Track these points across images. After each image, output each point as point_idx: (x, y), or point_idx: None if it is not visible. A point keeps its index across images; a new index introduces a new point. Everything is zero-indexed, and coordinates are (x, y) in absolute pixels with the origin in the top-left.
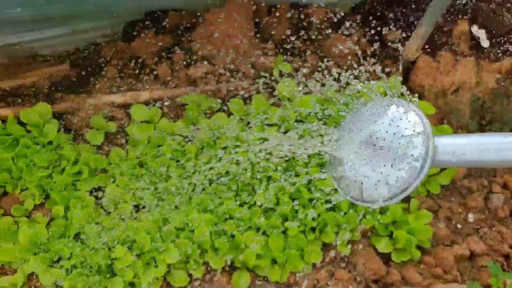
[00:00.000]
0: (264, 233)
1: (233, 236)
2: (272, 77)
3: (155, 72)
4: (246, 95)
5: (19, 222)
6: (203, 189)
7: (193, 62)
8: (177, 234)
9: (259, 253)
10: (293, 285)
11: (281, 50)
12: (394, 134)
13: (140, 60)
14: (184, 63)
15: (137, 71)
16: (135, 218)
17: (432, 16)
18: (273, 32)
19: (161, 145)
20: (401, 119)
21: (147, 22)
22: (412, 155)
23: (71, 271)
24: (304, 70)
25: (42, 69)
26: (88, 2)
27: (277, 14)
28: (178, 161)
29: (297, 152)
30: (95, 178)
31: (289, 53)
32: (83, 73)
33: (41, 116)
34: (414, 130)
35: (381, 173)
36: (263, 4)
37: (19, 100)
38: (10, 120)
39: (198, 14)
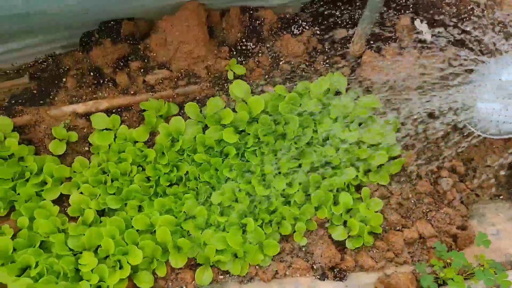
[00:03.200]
0: (224, 229)
1: (192, 234)
2: (226, 79)
3: (113, 80)
4: (202, 99)
5: None
6: (164, 192)
7: (150, 69)
8: (140, 236)
9: (220, 248)
10: (254, 277)
11: (235, 52)
12: None
13: (98, 69)
14: (142, 70)
15: (96, 80)
16: (100, 223)
17: (369, 14)
18: (226, 36)
19: (122, 151)
20: None
21: (102, 32)
22: None
23: (38, 279)
24: (257, 71)
25: (1, 83)
26: (36, 18)
27: (229, 18)
28: (139, 165)
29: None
30: (59, 187)
31: (242, 55)
32: (43, 84)
33: (1, 129)
34: None
35: None
36: (215, 9)
37: None
38: None
39: (152, 22)
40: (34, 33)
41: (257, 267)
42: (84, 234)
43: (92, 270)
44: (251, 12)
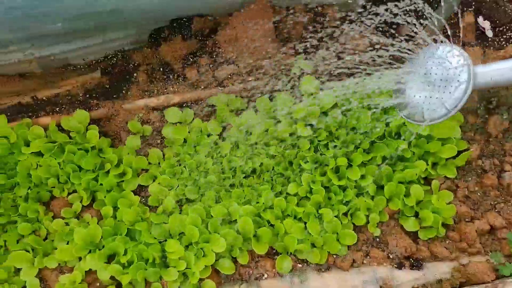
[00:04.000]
0: (300, 219)
1: (272, 224)
2: (293, 75)
3: (183, 76)
4: (270, 93)
5: (69, 223)
6: (241, 183)
7: (218, 65)
8: (221, 225)
9: (299, 238)
10: (331, 266)
11: (299, 49)
12: (444, 68)
13: (168, 65)
14: (211, 65)
15: (166, 75)
16: (180, 212)
17: (443, 10)
18: (291, 33)
19: (197, 144)
20: (447, 56)
21: (173, 29)
22: (458, 81)
23: (128, 266)
24: (323, 66)
25: (75, 78)
26: (118, 14)
27: (294, 15)
28: (213, 157)
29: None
30: (137, 178)
31: (307, 51)
32: (115, 79)
33: (80, 122)
34: (458, 63)
35: (436, 98)
36: (280, 6)
37: (57, 109)
38: (52, 128)
39: (221, 18)
40: (107, 30)
41: (334, 256)
42: (165, 223)
43: (179, 258)
44: (316, 9)
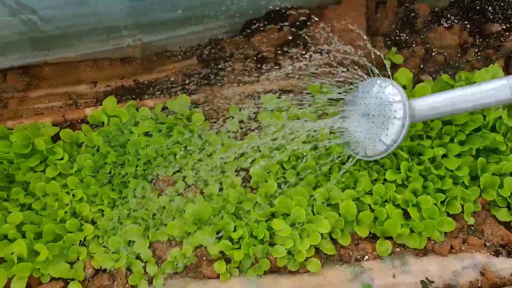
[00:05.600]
0: (397, 205)
1: (372, 209)
2: (383, 68)
3: (277, 64)
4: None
5: (174, 200)
6: (338, 168)
7: (311, 55)
8: (323, 207)
9: (401, 223)
10: (429, 251)
11: (389, 42)
12: (380, 104)
13: (261, 54)
14: (303, 56)
15: (259, 64)
16: (280, 194)
17: None
18: (380, 26)
19: (295, 130)
20: (383, 93)
21: (267, 20)
22: (395, 117)
23: (238, 242)
24: (413, 60)
25: (172, 64)
26: (228, 3)
27: (385, 9)
28: (310, 143)
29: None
30: (237, 161)
31: (396, 45)
32: (210, 66)
33: (183, 106)
34: (393, 99)
35: (376, 134)
36: (373, 1)
37: (158, 92)
38: (158, 110)
39: (315, 11)
40: (207, 20)
41: (432, 242)
42: (269, 204)
43: (286, 237)
44: (406, 4)
